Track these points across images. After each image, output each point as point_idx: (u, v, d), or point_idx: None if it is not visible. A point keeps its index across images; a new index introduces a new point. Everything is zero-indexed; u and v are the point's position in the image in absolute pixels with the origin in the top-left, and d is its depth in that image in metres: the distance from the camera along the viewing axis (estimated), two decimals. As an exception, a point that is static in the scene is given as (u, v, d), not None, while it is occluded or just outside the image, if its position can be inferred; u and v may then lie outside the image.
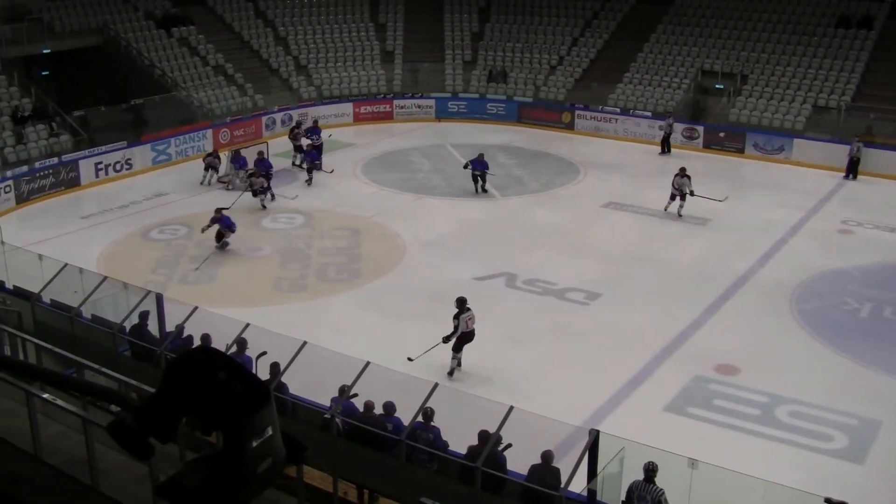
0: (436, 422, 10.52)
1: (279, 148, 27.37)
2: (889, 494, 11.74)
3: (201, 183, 24.76)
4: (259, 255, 20.05)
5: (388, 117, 33.02)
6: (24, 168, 23.86)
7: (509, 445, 10.13)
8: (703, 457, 9.59)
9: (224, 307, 15.04)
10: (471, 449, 10.08)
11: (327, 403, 11.17)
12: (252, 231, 21.50)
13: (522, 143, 29.87)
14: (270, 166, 23.92)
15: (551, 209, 23.29)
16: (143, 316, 13.18)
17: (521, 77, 33.78)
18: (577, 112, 31.59)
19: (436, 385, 10.86)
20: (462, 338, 14.14)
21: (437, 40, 35.90)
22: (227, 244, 19.80)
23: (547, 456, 9.89)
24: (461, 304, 14.26)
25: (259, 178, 22.89)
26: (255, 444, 2.14)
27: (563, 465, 9.71)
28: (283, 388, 11.34)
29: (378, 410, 10.90)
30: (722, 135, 29.09)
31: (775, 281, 18.42)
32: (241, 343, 12.15)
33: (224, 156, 25.52)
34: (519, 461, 10.05)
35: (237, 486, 2.16)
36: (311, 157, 25.28)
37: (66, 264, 14.26)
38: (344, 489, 10.13)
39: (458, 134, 31.00)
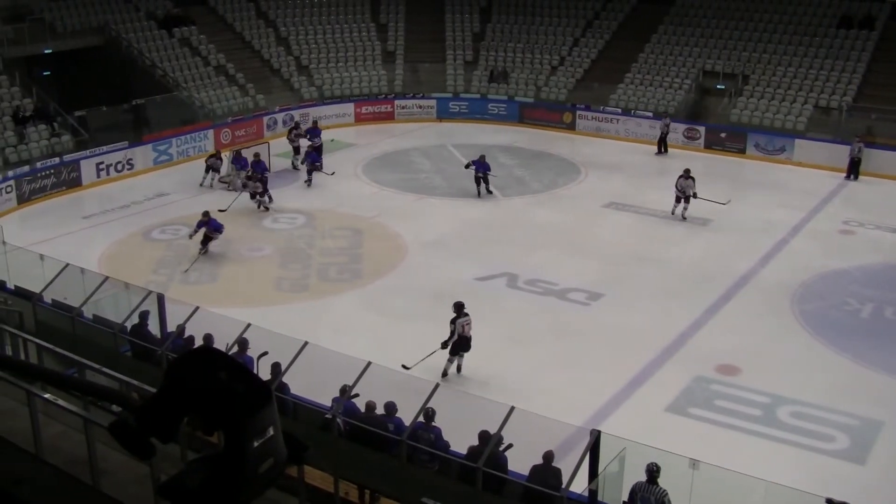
0: (437, 422, 10.52)
1: (280, 148, 27.35)
2: (890, 495, 11.73)
3: (200, 184, 24.71)
4: (260, 255, 20.05)
5: (389, 117, 33.02)
6: (26, 168, 23.87)
7: (510, 446, 10.13)
8: (705, 457, 9.58)
9: (225, 307, 15.05)
10: (471, 449, 10.08)
11: (328, 403, 11.17)
12: (253, 231, 21.51)
13: (524, 144, 29.86)
14: (265, 169, 23.70)
15: (552, 209, 23.28)
16: (144, 316, 13.17)
17: (523, 77, 33.77)
18: (578, 112, 31.57)
19: (437, 385, 10.87)
20: (458, 343, 14.11)
21: (439, 40, 35.90)
22: (207, 250, 19.45)
23: (548, 456, 9.88)
24: (458, 308, 14.24)
25: (255, 183, 22.67)
26: (256, 444, 2.14)
27: (564, 465, 9.70)
28: (284, 388, 11.34)
29: (379, 411, 10.90)
30: (723, 135, 29.08)
31: (776, 281, 18.41)
32: (242, 343, 12.15)
33: (226, 157, 25.51)
34: (520, 461, 10.05)
35: (238, 486, 2.16)
36: (311, 159, 25.22)
37: (67, 264, 14.26)
38: (345, 489, 10.13)
39: (459, 134, 31.00)
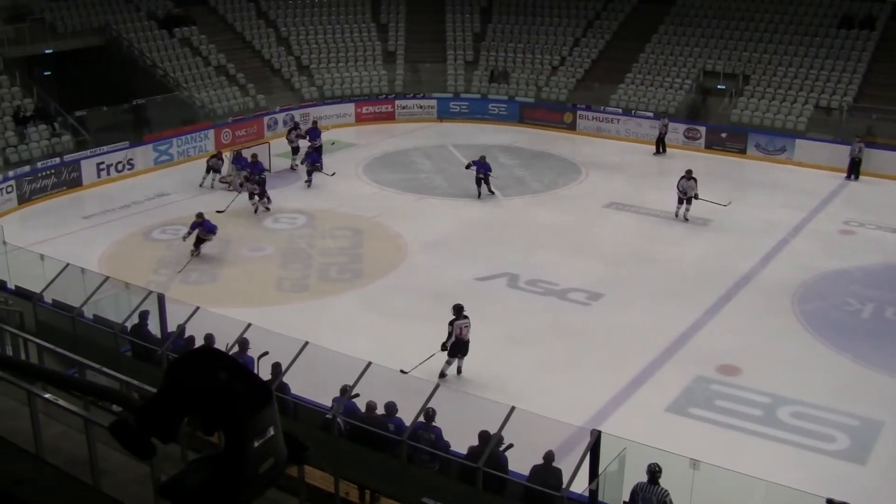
0: (437, 422, 10.52)
1: (281, 148, 27.34)
2: (891, 495, 11.73)
3: (200, 185, 24.69)
4: (261, 255, 20.06)
5: (389, 117, 33.02)
6: (26, 168, 23.88)
7: (510, 446, 10.13)
8: (705, 457, 9.58)
9: (226, 307, 15.04)
10: (471, 449, 10.07)
11: (329, 404, 11.16)
12: (254, 231, 21.52)
13: (524, 144, 29.86)
14: (263, 170, 23.53)
15: (553, 209, 23.28)
16: (143, 315, 13.16)
17: (523, 77, 33.77)
18: (578, 112, 31.57)
19: (437, 385, 10.88)
20: (455, 345, 14.09)
21: (439, 40, 35.91)
22: (200, 251, 19.40)
23: (548, 456, 9.88)
24: (457, 311, 14.21)
25: (252, 185, 22.50)
26: (256, 444, 2.14)
27: (565, 465, 9.69)
28: (284, 388, 11.33)
29: (380, 411, 10.90)
30: (724, 135, 29.07)
31: (777, 281, 18.41)
32: (242, 343, 12.14)
33: (227, 157, 25.49)
34: (520, 461, 10.04)
35: (239, 486, 2.16)
36: (311, 159, 25.19)
37: (67, 264, 14.25)
38: (345, 489, 10.14)
39: (459, 134, 31.00)
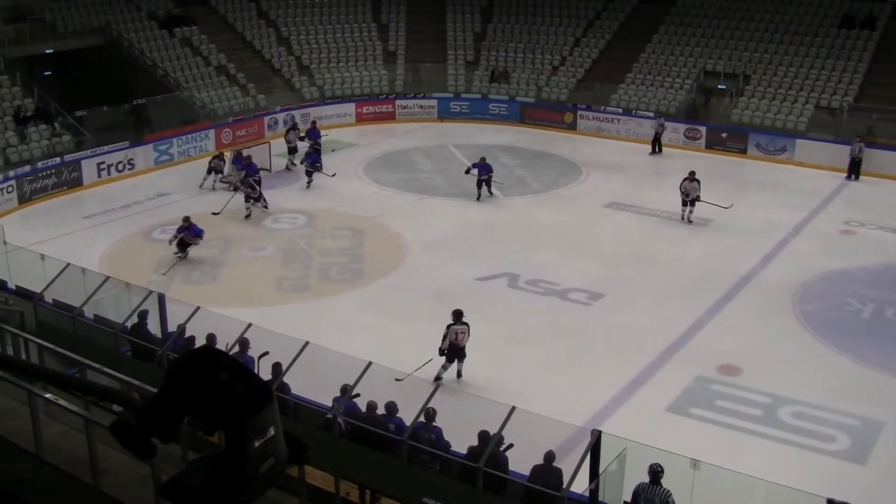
0: (438, 422, 10.52)
1: (281, 148, 27.32)
2: (891, 495, 11.73)
3: (200, 186, 24.65)
4: (261, 255, 20.06)
5: (390, 117, 33.03)
6: (27, 168, 23.89)
7: (511, 446, 10.13)
8: (705, 457, 9.58)
9: (226, 307, 15.03)
10: (472, 449, 10.07)
11: (329, 403, 11.17)
12: (254, 231, 21.52)
13: (525, 144, 29.87)
14: (257, 171, 23.41)
15: (554, 209, 23.28)
16: (143, 315, 13.17)
17: (524, 77, 33.77)
18: (579, 112, 31.57)
19: (438, 385, 10.88)
20: (450, 350, 14.02)
21: (440, 40, 35.91)
22: (186, 255, 19.32)
23: (549, 456, 9.88)
24: (456, 316, 14.12)
25: (247, 188, 22.29)
26: (257, 444, 2.14)
27: (565, 465, 9.70)
28: (285, 388, 11.33)
29: (380, 411, 10.90)
30: (724, 135, 29.07)
31: (778, 281, 18.41)
32: (243, 343, 12.15)
33: (228, 157, 25.47)
34: (521, 461, 10.05)
35: (239, 486, 2.16)
36: (311, 160, 25.16)
37: (68, 264, 14.26)
38: (346, 489, 10.14)
39: (460, 134, 31.00)
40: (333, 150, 28.06)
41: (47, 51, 29.40)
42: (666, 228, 21.80)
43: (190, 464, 2.22)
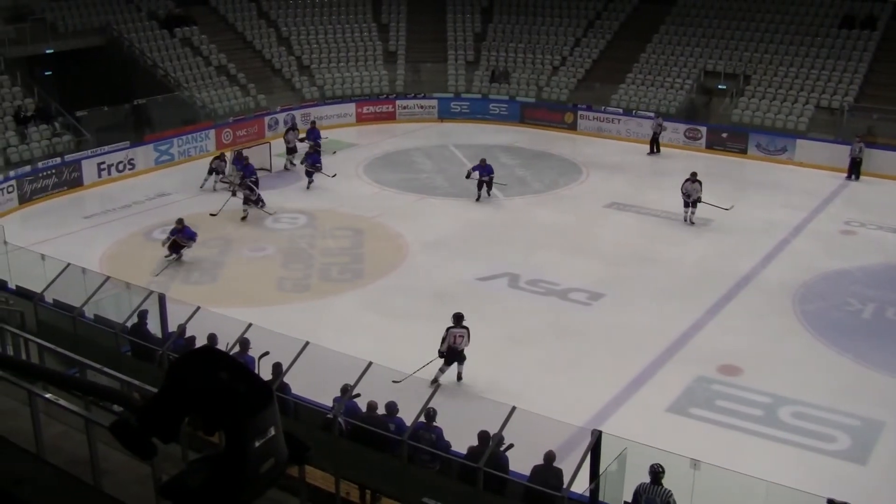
0: (438, 422, 10.52)
1: (281, 148, 27.31)
2: (892, 495, 11.73)
3: (201, 187, 24.63)
4: (262, 255, 20.06)
5: (390, 117, 33.02)
6: (27, 168, 23.89)
7: (511, 446, 10.13)
8: (706, 457, 9.58)
9: (226, 307, 15.03)
10: (472, 449, 10.07)
11: (329, 403, 11.17)
12: (255, 231, 21.52)
13: (525, 144, 29.86)
14: (254, 172, 23.32)
15: (554, 209, 23.28)
16: (142, 315, 13.17)
17: (524, 77, 33.78)
18: (579, 112, 31.57)
19: (438, 386, 10.88)
20: (448, 353, 13.98)
21: (440, 40, 35.91)
22: (179, 256, 19.28)
23: (549, 456, 9.88)
24: (456, 319, 14.08)
25: (245, 190, 22.22)
26: (257, 444, 2.14)
27: (566, 465, 9.70)
28: (285, 388, 11.33)
29: (380, 411, 10.90)
30: (724, 135, 29.06)
31: (778, 282, 18.40)
32: (243, 343, 12.15)
33: (228, 157, 25.46)
34: (521, 462, 10.04)
35: (240, 486, 2.16)
36: (311, 160, 25.14)
37: (68, 264, 14.26)
38: (346, 489, 10.15)
39: (460, 134, 31.00)
40: (335, 152, 28.03)
41: (48, 51, 29.40)
42: (666, 228, 21.79)
43: (190, 464, 2.22)
